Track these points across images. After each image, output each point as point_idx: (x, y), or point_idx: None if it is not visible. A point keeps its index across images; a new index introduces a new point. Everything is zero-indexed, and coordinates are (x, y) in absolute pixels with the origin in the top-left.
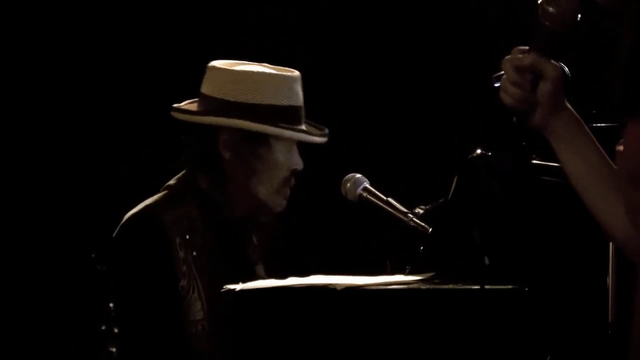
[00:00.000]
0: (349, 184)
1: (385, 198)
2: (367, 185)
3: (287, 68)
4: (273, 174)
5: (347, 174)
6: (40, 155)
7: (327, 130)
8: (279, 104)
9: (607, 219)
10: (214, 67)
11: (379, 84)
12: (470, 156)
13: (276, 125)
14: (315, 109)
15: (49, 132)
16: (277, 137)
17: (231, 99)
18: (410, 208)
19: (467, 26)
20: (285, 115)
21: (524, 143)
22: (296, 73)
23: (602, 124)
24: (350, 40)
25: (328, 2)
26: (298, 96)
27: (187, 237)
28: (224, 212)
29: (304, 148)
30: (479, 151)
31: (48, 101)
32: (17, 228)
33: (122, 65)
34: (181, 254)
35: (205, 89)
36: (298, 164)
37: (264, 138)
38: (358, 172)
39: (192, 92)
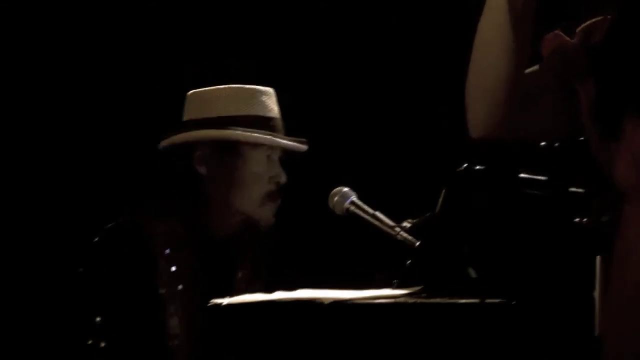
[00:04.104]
0: (336, 198)
1: (372, 212)
2: (355, 199)
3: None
4: (253, 186)
5: (334, 188)
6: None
7: (305, 140)
8: (247, 114)
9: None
10: (187, 96)
11: (367, 96)
12: (457, 169)
13: (244, 131)
14: (302, 121)
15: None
16: (251, 146)
17: (200, 116)
18: (398, 222)
19: (457, 33)
20: (254, 124)
21: (510, 156)
22: (267, 88)
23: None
24: (336, 51)
25: (313, 10)
26: (268, 108)
27: (170, 251)
28: (209, 233)
29: (291, 164)
30: (466, 164)
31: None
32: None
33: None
34: (163, 264)
35: (184, 116)
36: (279, 175)
37: (237, 148)
38: (345, 186)
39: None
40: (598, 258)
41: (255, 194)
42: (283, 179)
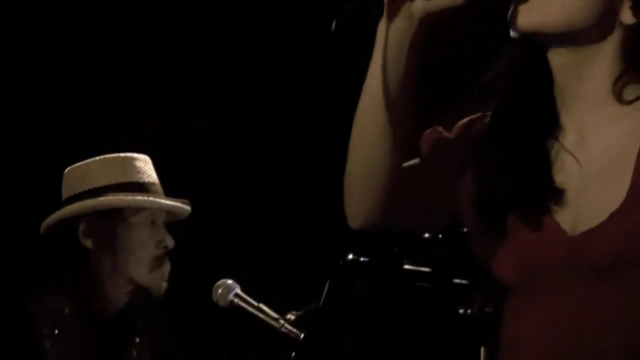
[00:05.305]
0: (220, 290)
1: (256, 304)
2: (239, 291)
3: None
4: (139, 252)
5: (217, 280)
6: None
7: (188, 202)
8: (122, 181)
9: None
10: (63, 174)
11: (248, 183)
12: (342, 261)
13: (125, 196)
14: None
15: None
16: (134, 212)
17: (74, 191)
18: (282, 314)
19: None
20: (130, 190)
21: (396, 248)
22: (141, 155)
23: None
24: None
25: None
26: (143, 173)
27: (58, 331)
28: (101, 307)
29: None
30: (350, 256)
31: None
32: None
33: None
34: (50, 345)
35: (62, 195)
36: (164, 240)
37: (120, 216)
38: (229, 278)
39: None
40: (482, 349)
41: (142, 260)
42: (170, 243)
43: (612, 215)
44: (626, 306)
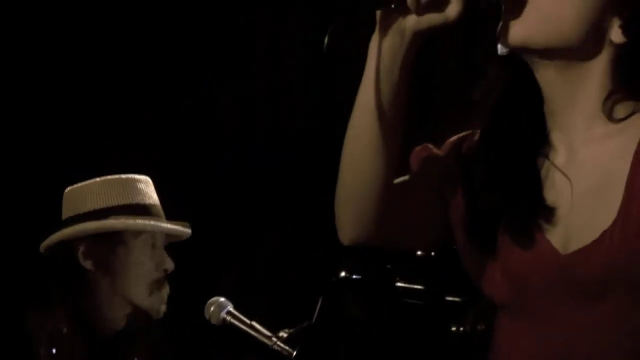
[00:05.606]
0: (212, 308)
1: (249, 322)
2: (231, 309)
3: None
4: (139, 275)
5: (210, 297)
6: None
7: (189, 224)
8: (124, 203)
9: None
10: (64, 194)
11: (243, 201)
12: (334, 278)
13: (127, 219)
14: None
15: None
16: (134, 235)
17: (75, 212)
18: (275, 331)
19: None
20: (132, 212)
21: (388, 266)
22: (143, 176)
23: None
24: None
25: None
26: (145, 195)
27: (54, 350)
28: (99, 328)
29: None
30: (343, 273)
31: None
32: None
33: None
34: None
35: (62, 215)
36: (165, 263)
37: (120, 238)
38: (221, 295)
39: None
40: None
41: (142, 283)
42: (170, 265)
43: (604, 234)
44: (617, 325)
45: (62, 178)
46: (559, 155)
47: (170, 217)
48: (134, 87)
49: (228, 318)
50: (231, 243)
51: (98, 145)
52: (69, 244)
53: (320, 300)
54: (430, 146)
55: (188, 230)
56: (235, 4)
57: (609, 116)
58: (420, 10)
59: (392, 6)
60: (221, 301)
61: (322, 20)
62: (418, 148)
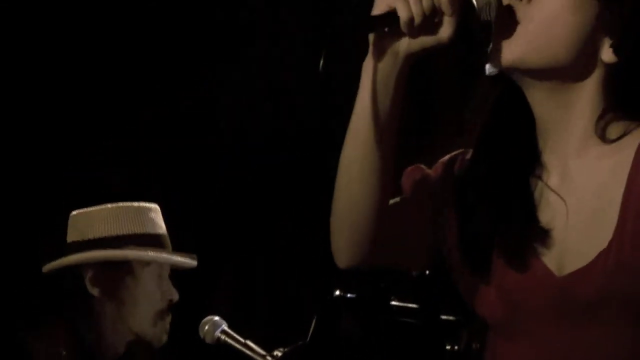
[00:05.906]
0: (207, 327)
1: (243, 341)
2: (226, 328)
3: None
4: (145, 304)
5: (204, 317)
6: None
7: (195, 256)
8: (134, 232)
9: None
10: (70, 217)
11: (238, 221)
12: (329, 297)
13: (138, 250)
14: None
15: None
16: (143, 265)
17: (83, 237)
18: (269, 350)
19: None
20: (142, 242)
21: (382, 284)
22: (152, 205)
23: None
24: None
25: None
26: (155, 225)
27: None
28: (98, 353)
29: None
30: (337, 292)
31: None
32: None
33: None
34: None
35: (67, 238)
36: (171, 294)
37: (129, 267)
38: (215, 314)
39: None
40: None
41: (148, 312)
42: (175, 296)
43: (600, 255)
44: (613, 345)
45: (62, 178)
46: (552, 176)
47: (169, 218)
48: (134, 87)
49: (222, 337)
50: (226, 258)
51: (98, 145)
52: (76, 267)
53: (314, 319)
54: (422, 167)
55: (194, 262)
56: (235, 3)
57: (602, 137)
58: (414, 33)
59: (386, 29)
60: (215, 320)
61: (322, 20)
62: (410, 169)
